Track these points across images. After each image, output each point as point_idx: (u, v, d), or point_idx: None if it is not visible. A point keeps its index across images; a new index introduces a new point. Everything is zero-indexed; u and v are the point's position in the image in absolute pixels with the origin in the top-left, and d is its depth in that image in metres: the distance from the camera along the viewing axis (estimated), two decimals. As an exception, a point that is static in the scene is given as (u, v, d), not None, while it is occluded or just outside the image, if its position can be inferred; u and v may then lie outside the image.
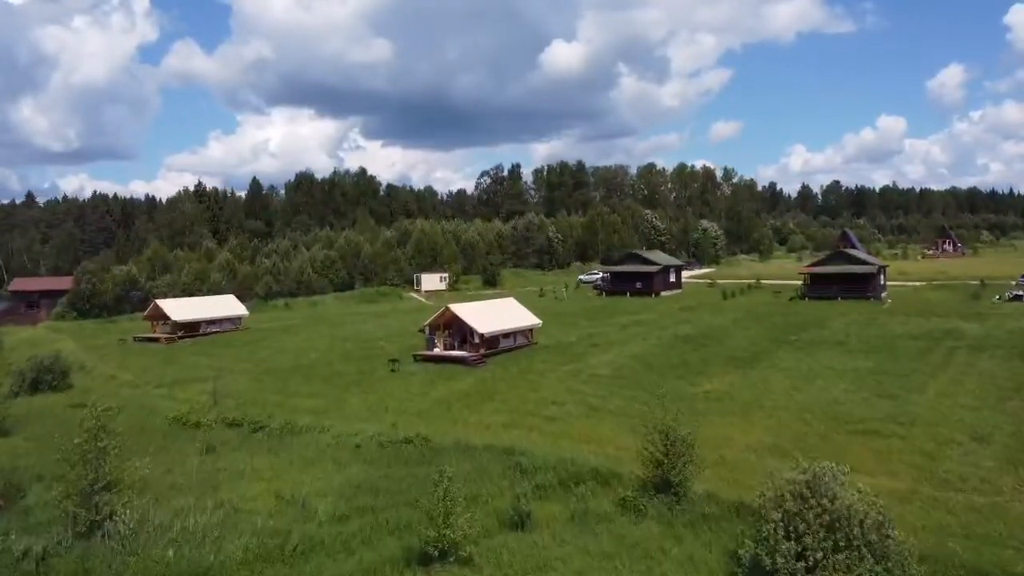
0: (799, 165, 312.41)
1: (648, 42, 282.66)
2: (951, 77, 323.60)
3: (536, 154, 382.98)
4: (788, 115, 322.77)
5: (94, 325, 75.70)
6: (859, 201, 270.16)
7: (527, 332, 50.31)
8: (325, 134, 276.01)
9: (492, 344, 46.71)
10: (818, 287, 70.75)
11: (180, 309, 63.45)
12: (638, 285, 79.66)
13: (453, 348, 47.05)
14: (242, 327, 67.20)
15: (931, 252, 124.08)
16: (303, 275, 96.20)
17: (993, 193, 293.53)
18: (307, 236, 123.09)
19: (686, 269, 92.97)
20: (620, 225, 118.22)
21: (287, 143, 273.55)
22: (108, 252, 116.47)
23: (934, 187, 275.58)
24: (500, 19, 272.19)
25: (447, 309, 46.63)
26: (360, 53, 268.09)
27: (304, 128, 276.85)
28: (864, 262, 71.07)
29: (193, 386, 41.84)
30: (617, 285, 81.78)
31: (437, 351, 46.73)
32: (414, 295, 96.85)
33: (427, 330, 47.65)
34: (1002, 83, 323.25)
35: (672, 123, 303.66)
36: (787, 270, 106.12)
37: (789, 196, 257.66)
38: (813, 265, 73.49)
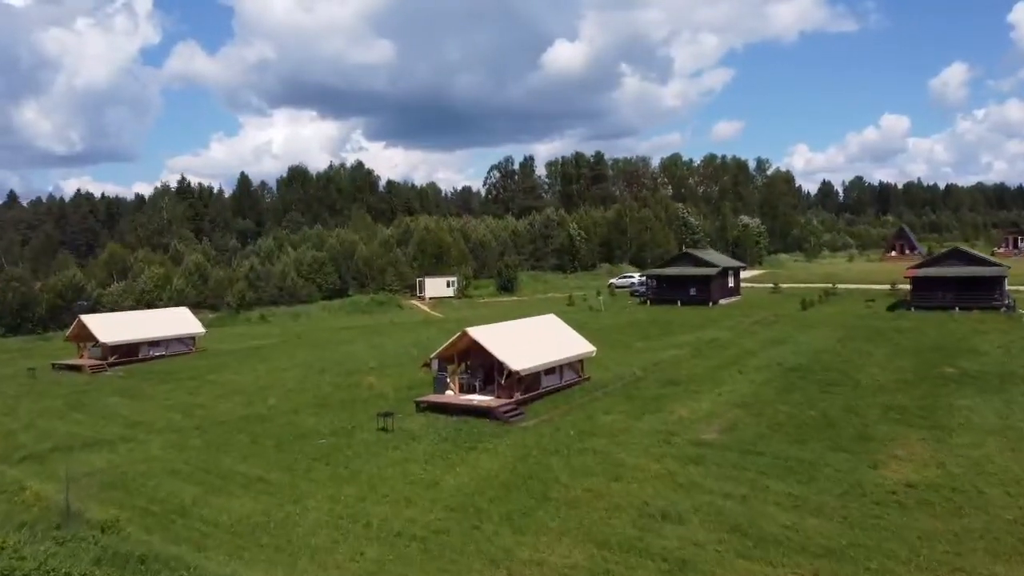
0: (801, 164, 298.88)
1: (650, 42, 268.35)
2: (954, 76, 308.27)
3: (538, 155, 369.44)
4: (790, 115, 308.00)
5: (20, 344, 61.22)
6: (882, 198, 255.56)
7: (576, 364, 35.60)
8: (327, 135, 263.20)
9: (531, 385, 32.01)
10: (927, 294, 55.89)
11: (112, 328, 48.81)
12: (692, 292, 64.80)
13: (474, 390, 32.41)
14: (196, 349, 52.62)
15: (1003, 250, 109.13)
16: (286, 280, 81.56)
17: (1020, 189, 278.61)
18: (295, 235, 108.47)
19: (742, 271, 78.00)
20: (653, 221, 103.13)
21: (289, 145, 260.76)
22: (66, 254, 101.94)
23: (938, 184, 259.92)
24: (501, 19, 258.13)
25: (465, 334, 31.92)
26: (361, 54, 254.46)
27: (306, 130, 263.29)
28: (988, 262, 56.27)
29: (80, 458, 27.23)
30: (665, 292, 66.89)
31: (450, 395, 32.06)
32: (416, 303, 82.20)
33: (435, 363, 32.99)
34: (1005, 82, 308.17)
35: (674, 123, 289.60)
36: (854, 272, 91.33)
37: (808, 193, 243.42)
38: (921, 266, 58.57)
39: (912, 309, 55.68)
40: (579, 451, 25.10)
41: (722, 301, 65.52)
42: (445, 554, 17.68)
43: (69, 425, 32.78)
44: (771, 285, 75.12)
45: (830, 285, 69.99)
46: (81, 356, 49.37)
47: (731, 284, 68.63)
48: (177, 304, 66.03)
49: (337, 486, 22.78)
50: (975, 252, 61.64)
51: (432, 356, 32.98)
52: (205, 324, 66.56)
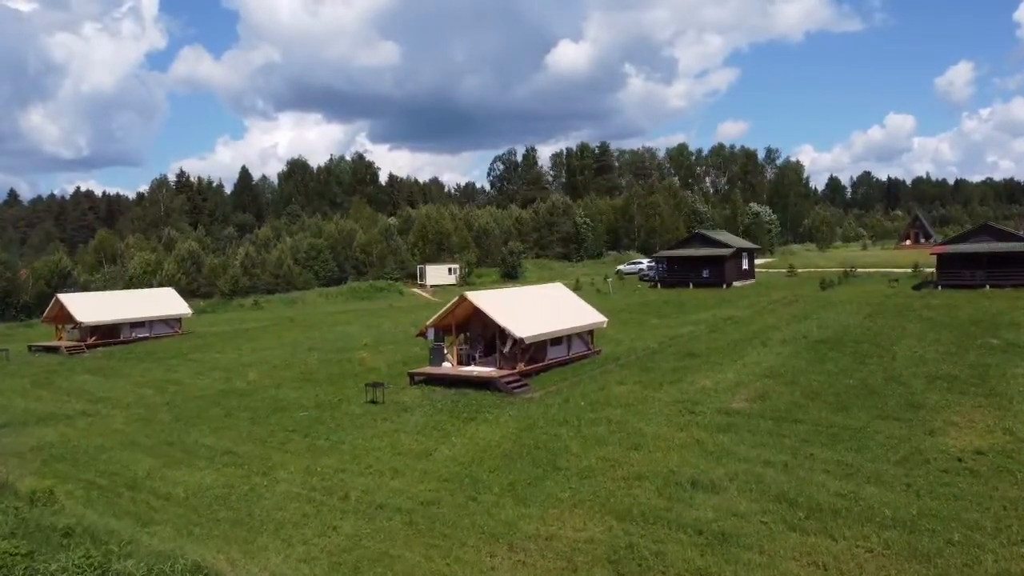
0: (807, 164, 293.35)
1: (655, 42, 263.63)
2: (960, 74, 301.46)
3: (542, 156, 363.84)
4: (796, 114, 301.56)
5: (2, 329, 58.50)
6: (891, 193, 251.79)
7: (586, 335, 32.63)
8: (333, 138, 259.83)
9: (537, 356, 29.08)
10: (955, 272, 52.70)
11: (91, 308, 45.98)
12: (705, 274, 61.74)
13: (473, 361, 29.51)
14: (182, 331, 49.80)
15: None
16: (282, 267, 78.77)
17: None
18: (294, 224, 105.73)
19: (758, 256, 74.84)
20: (662, 207, 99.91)
21: (294, 147, 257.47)
22: (58, 244, 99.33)
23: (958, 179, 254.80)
24: (505, 21, 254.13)
25: (464, 299, 29.01)
26: (366, 57, 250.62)
27: (311, 132, 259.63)
28: (1020, 238, 53.04)
29: (32, 432, 24.43)
30: (677, 274, 63.85)
31: (447, 367, 29.13)
32: (417, 291, 79.35)
33: (431, 333, 30.05)
34: (1011, 80, 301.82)
35: (679, 123, 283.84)
36: (871, 258, 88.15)
37: (815, 189, 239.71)
38: (949, 243, 55.46)
39: (940, 288, 52.55)
40: (591, 421, 22.15)
41: (736, 283, 62.45)
42: (435, 528, 14.76)
43: (29, 401, 29.98)
44: (786, 269, 72.04)
45: (849, 268, 66.85)
46: (59, 338, 46.61)
47: (745, 266, 65.50)
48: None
49: (314, 457, 19.88)
50: (1006, 228, 58.43)
51: (428, 324, 30.05)
52: (196, 311, 63.97)
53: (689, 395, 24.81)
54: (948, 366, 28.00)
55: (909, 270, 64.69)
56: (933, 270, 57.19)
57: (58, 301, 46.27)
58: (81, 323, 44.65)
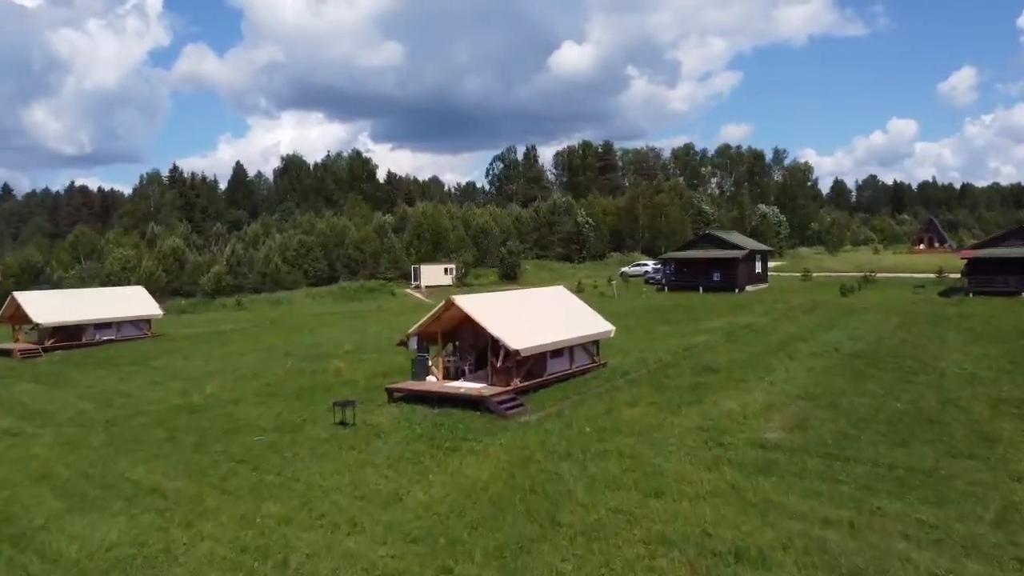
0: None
1: (657, 44, 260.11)
2: (963, 80, 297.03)
3: (543, 155, 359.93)
4: (798, 118, 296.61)
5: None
6: (896, 197, 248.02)
7: (590, 346, 28.80)
8: (335, 137, 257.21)
9: (535, 370, 25.24)
10: (987, 278, 49.08)
11: (50, 308, 42.20)
12: (715, 277, 57.99)
13: (462, 375, 25.72)
14: (151, 333, 46.02)
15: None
16: (269, 265, 74.97)
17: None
18: (286, 222, 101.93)
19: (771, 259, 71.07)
20: (668, 206, 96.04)
21: (296, 146, 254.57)
22: (42, 240, 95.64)
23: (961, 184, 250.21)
24: (509, 22, 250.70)
25: (451, 304, 25.18)
26: (369, 56, 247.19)
27: (313, 131, 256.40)
28: (1059, 242, 49.32)
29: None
30: (685, 278, 60.10)
31: (432, 382, 25.32)
32: (411, 292, 75.55)
33: (413, 342, 26.21)
34: (1014, 86, 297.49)
35: (682, 126, 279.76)
36: (886, 262, 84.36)
37: (820, 193, 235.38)
38: (981, 247, 51.71)
39: (971, 295, 48.82)
40: (599, 454, 18.34)
41: (748, 288, 58.68)
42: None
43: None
44: (800, 273, 68.30)
45: (868, 272, 63.09)
46: (17, 339, 42.87)
47: (758, 270, 61.76)
48: (147, 289, 59.44)
49: (257, 500, 16.06)
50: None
51: (410, 332, 26.19)
52: (176, 311, 60.37)
53: (713, 421, 21.01)
54: (1009, 387, 24.19)
55: (932, 275, 61.05)
56: (959, 276, 53.66)
57: (14, 300, 42.50)
58: (38, 324, 40.90)
